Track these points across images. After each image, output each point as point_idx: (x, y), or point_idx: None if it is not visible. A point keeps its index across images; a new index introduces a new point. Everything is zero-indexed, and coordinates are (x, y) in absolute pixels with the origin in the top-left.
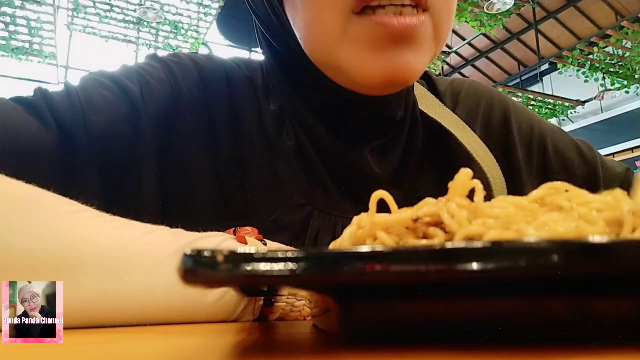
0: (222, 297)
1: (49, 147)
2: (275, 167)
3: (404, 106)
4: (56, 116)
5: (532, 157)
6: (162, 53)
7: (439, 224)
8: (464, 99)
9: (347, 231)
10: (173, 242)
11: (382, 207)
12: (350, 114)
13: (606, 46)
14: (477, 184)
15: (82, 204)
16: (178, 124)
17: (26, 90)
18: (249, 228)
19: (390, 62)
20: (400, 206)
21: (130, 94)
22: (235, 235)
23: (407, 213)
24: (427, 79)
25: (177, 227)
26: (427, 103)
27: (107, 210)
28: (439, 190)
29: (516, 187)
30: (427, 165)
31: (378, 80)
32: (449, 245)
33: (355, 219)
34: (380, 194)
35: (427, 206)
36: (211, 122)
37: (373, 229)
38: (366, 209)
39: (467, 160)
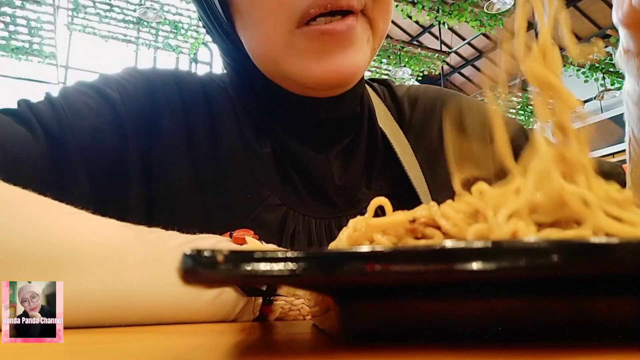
0: (219, 295)
1: (38, 154)
2: (254, 169)
3: (359, 105)
4: (43, 124)
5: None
6: (160, 54)
7: (436, 225)
8: (421, 102)
9: (344, 233)
10: (168, 243)
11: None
12: (310, 118)
13: (606, 46)
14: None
15: (76, 208)
16: (158, 129)
17: (26, 90)
18: (244, 230)
19: (335, 65)
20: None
21: (110, 100)
22: (231, 238)
23: (402, 216)
24: (387, 86)
25: (164, 229)
26: (378, 113)
27: (98, 214)
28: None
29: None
30: (386, 171)
31: (325, 82)
32: (449, 245)
33: (351, 221)
34: (379, 200)
35: (421, 210)
36: (190, 127)
37: (369, 232)
38: (338, 211)
39: (403, 177)
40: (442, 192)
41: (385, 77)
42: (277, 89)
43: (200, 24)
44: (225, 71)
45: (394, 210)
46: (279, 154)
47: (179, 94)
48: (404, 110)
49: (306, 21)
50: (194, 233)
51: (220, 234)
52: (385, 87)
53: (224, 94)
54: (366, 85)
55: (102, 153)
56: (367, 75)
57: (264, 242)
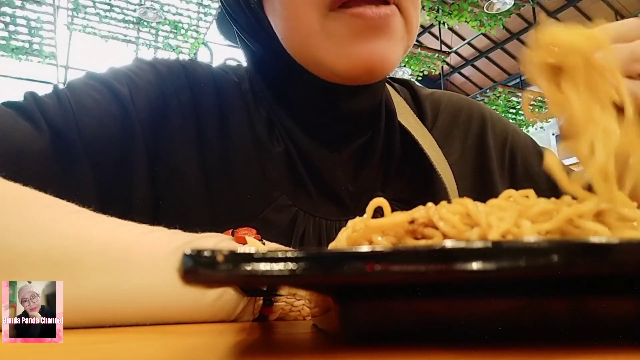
0: (221, 296)
1: (42, 149)
2: (265, 169)
3: (376, 99)
4: (48, 118)
5: (504, 166)
6: (160, 54)
7: (435, 225)
8: (445, 109)
9: (343, 234)
10: (171, 242)
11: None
12: (328, 110)
13: None
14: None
15: (79, 205)
16: (167, 125)
17: (26, 90)
18: (246, 229)
19: (368, 51)
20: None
21: (119, 95)
22: (233, 236)
23: (401, 217)
24: (408, 87)
25: (168, 227)
26: (401, 112)
27: (102, 211)
28: (411, 198)
29: (487, 193)
30: (404, 174)
31: (359, 70)
32: (448, 245)
33: (350, 222)
34: (378, 201)
35: (419, 211)
36: (199, 123)
37: (368, 233)
38: (350, 213)
39: (432, 172)
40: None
41: None
42: (302, 72)
43: (200, 24)
44: (237, 63)
45: None
46: (292, 153)
47: (188, 88)
48: (426, 113)
49: (339, 6)
50: (197, 231)
51: (223, 232)
52: (407, 87)
53: (236, 88)
54: (387, 85)
55: (107, 149)
56: None
57: (265, 242)
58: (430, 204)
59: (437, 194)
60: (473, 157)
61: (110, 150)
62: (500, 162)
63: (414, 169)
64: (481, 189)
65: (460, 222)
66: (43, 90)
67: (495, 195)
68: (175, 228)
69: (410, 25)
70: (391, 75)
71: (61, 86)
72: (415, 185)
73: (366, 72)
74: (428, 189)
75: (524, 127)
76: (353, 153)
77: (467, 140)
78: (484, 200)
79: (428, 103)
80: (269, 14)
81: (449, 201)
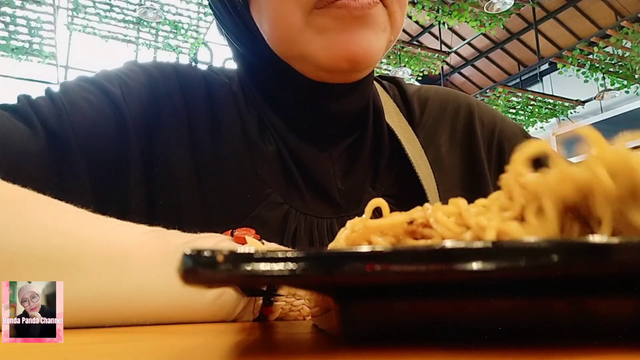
0: (221, 295)
1: (38, 150)
2: (256, 167)
3: (364, 99)
4: (42, 119)
5: (492, 157)
6: (160, 54)
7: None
8: (432, 103)
9: (342, 234)
10: (170, 242)
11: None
12: (318, 111)
13: (606, 46)
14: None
15: (77, 206)
16: (159, 125)
17: (26, 90)
18: (245, 229)
19: (351, 41)
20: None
21: (111, 96)
22: (232, 236)
23: (400, 217)
24: (397, 85)
25: (165, 227)
26: (388, 110)
27: (99, 212)
28: (400, 192)
29: (478, 184)
30: (392, 171)
31: (342, 61)
32: (448, 245)
33: (349, 223)
34: (376, 202)
35: (418, 212)
36: (191, 124)
37: (367, 233)
38: (341, 211)
39: (412, 174)
40: (449, 194)
41: None
42: (290, 73)
43: (200, 24)
44: (228, 65)
45: (400, 210)
46: (283, 152)
47: (180, 89)
48: (413, 110)
49: (325, 5)
50: (195, 231)
51: (221, 233)
52: (395, 85)
53: (227, 89)
54: (375, 83)
55: (102, 149)
56: None
57: (264, 242)
58: (427, 205)
59: (421, 192)
60: (462, 148)
61: (105, 150)
62: (489, 152)
63: (402, 165)
64: (471, 179)
65: (455, 223)
66: (42, 91)
67: (485, 186)
68: (172, 228)
69: (394, 19)
70: (389, 76)
71: (54, 88)
72: (403, 181)
73: (349, 63)
74: (416, 184)
75: (525, 127)
76: (343, 152)
77: (455, 132)
78: (475, 192)
79: (415, 99)
80: (255, 17)
81: (428, 201)
